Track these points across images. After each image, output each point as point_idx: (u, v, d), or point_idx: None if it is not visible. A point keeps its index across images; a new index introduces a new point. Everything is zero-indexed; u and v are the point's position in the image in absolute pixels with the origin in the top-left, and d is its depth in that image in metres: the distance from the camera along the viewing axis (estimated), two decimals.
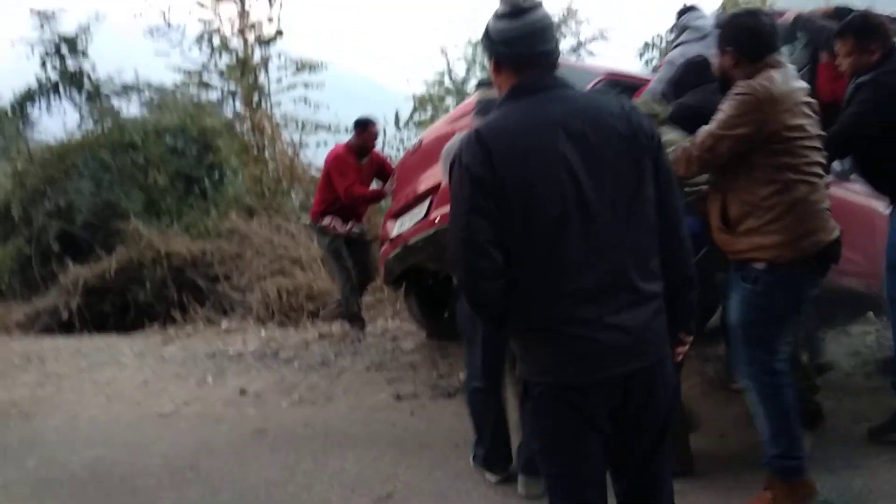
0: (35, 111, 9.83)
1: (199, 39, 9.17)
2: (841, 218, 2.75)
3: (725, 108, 2.58)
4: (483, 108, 3.36)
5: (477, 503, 3.06)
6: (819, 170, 2.61)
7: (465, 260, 1.69)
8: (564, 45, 12.62)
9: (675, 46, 4.20)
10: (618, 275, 1.68)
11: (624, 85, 4.27)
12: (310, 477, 3.35)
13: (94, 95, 9.76)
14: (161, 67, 9.74)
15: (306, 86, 9.70)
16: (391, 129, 10.42)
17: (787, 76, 2.62)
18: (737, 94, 2.58)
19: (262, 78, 9.46)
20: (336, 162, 5.51)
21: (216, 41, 9.17)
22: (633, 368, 1.70)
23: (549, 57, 1.77)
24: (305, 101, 9.67)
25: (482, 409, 3.20)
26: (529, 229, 1.67)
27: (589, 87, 4.60)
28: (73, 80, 9.63)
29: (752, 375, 2.66)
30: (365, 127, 5.62)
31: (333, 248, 5.66)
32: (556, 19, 12.18)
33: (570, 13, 12.78)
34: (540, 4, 1.76)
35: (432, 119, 11.10)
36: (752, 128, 2.51)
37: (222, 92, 9.69)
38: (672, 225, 1.78)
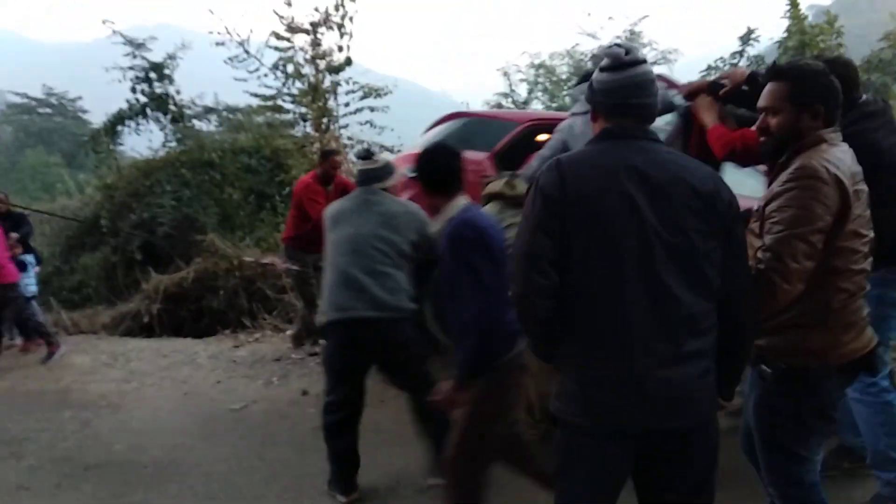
0: (125, 131, 10.65)
1: (275, 67, 9.79)
2: None
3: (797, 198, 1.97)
4: (364, 179, 3.42)
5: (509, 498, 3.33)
6: (863, 271, 2.14)
7: (524, 274, 1.72)
8: None
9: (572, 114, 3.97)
10: (669, 327, 1.67)
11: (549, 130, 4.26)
12: (361, 468, 3.72)
13: (178, 117, 10.53)
14: (239, 92, 10.42)
15: (372, 109, 10.21)
16: None
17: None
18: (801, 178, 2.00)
19: (331, 102, 10.01)
20: (305, 191, 5.79)
21: (290, 69, 9.76)
22: (672, 426, 1.70)
23: (642, 109, 1.81)
24: (370, 123, 10.18)
25: (336, 437, 3.40)
26: (587, 261, 1.69)
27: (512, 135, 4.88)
28: (160, 103, 10.42)
29: (774, 484, 2.27)
30: (327, 157, 5.96)
31: (300, 274, 5.95)
32: (618, 40, 12.32)
33: (633, 35, 12.80)
34: (643, 60, 1.83)
35: None
36: (830, 218, 1.99)
37: (294, 115, 10.28)
38: (734, 293, 1.76)
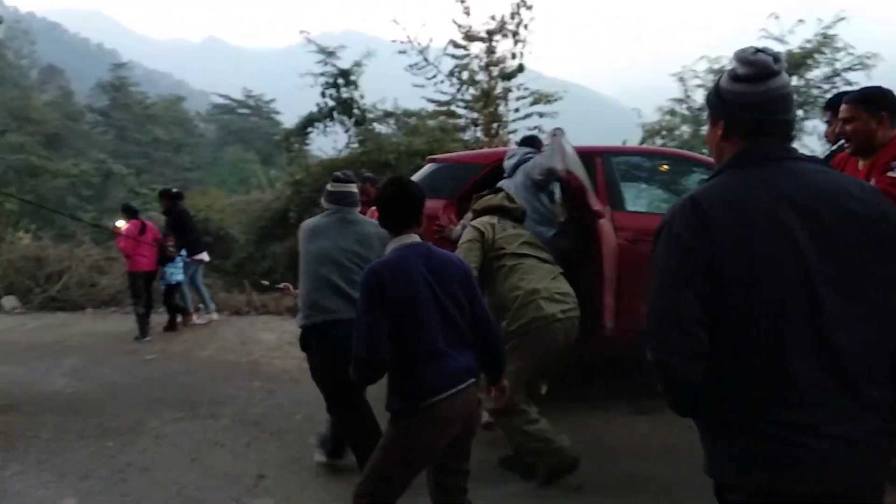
0: (313, 132, 11.62)
1: (451, 73, 10.25)
2: None
3: None
4: (339, 200, 3.73)
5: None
6: None
7: (663, 336, 1.50)
8: (817, 73, 11.84)
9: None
10: (844, 377, 1.45)
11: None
12: None
13: (361, 120, 11.32)
14: (416, 97, 11.01)
15: (541, 115, 10.38)
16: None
17: None
18: None
19: (501, 108, 10.30)
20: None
21: (465, 75, 10.18)
22: (847, 486, 1.47)
23: (786, 126, 1.59)
24: (539, 129, 10.34)
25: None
26: (744, 312, 1.45)
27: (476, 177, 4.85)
28: (345, 107, 11.26)
29: None
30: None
31: None
32: (809, 46, 11.48)
33: (826, 39, 11.90)
34: (785, 69, 1.59)
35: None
36: None
37: (466, 120, 10.69)
38: None
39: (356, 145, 11.25)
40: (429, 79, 10.28)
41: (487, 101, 10.11)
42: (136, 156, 40.53)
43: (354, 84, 11.28)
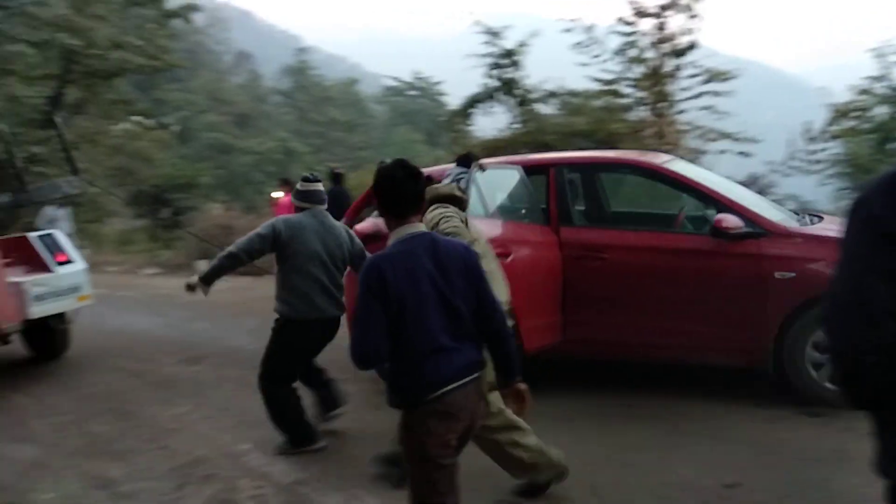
0: (476, 113, 11.81)
1: (618, 51, 9.96)
2: None
3: None
4: (305, 197, 4.18)
5: None
6: None
7: (848, 328, 1.38)
8: None
9: None
10: None
11: None
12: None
13: (524, 101, 11.32)
14: (580, 76, 10.83)
15: (715, 94, 9.82)
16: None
17: None
18: None
19: (671, 86, 9.86)
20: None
21: (633, 53, 9.85)
22: None
23: None
24: (711, 109, 9.80)
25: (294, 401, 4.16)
26: None
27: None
28: (508, 87, 11.31)
29: None
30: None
31: None
32: None
33: None
34: None
35: (854, 131, 10.20)
36: None
37: (631, 99, 10.36)
38: None
39: (518, 126, 11.28)
40: (594, 57, 10.06)
41: (656, 79, 9.72)
42: (313, 135, 43.25)
43: (518, 64, 11.28)
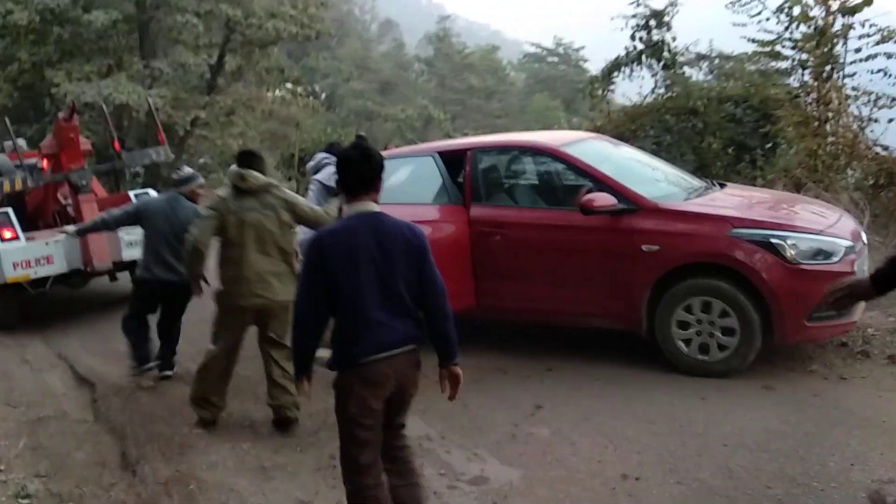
0: (619, 77, 11.35)
1: (779, 9, 9.16)
2: None
3: None
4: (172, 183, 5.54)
5: None
6: None
7: None
8: None
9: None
10: None
11: None
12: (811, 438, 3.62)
13: (670, 64, 10.75)
14: (735, 38, 10.10)
15: (889, 56, 8.81)
16: None
17: None
18: None
19: (838, 48, 8.98)
20: None
21: (797, 10, 9.03)
22: None
23: None
24: (885, 72, 8.82)
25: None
26: None
27: None
28: (654, 50, 10.77)
29: None
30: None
31: None
32: None
33: None
34: None
35: None
36: None
37: (793, 62, 9.54)
38: None
39: (662, 91, 10.73)
40: (752, 16, 9.30)
41: (822, 39, 8.84)
42: (452, 102, 43.61)
43: (668, 25, 10.68)
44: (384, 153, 5.61)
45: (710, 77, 11.16)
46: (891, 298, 5.92)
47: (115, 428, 4.58)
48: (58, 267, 6.91)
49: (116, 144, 7.77)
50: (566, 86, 40.47)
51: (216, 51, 19.20)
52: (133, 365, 5.41)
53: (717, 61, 11.07)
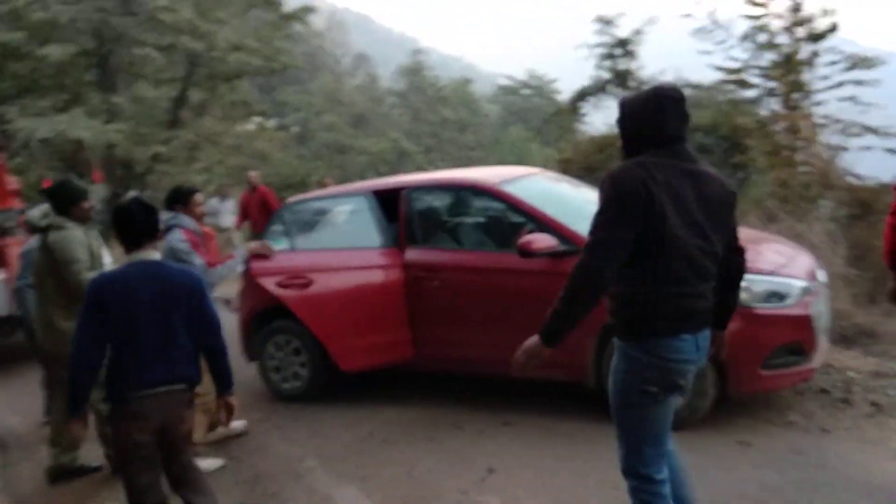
0: (585, 107, 11.13)
1: (745, 37, 9.01)
2: None
3: None
4: None
5: None
6: None
7: None
8: None
9: None
10: None
11: None
12: None
13: None
14: (702, 66, 9.94)
15: (858, 83, 8.67)
16: None
17: None
18: None
19: (806, 75, 8.81)
20: None
21: (762, 38, 8.87)
22: None
23: None
24: (853, 100, 8.65)
25: None
26: None
27: None
28: (621, 79, 10.57)
29: None
30: None
31: None
32: None
33: None
34: None
35: None
36: None
37: (761, 90, 9.36)
38: None
39: None
40: (717, 44, 9.14)
41: (789, 66, 8.69)
42: (426, 135, 43.55)
43: (633, 54, 10.51)
44: (319, 191, 5.39)
45: None
46: (871, 337, 5.67)
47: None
48: None
49: (45, 183, 7.27)
50: (539, 117, 40.63)
51: (179, 85, 18.79)
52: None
53: (685, 90, 10.87)
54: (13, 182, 7.01)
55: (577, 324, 2.35)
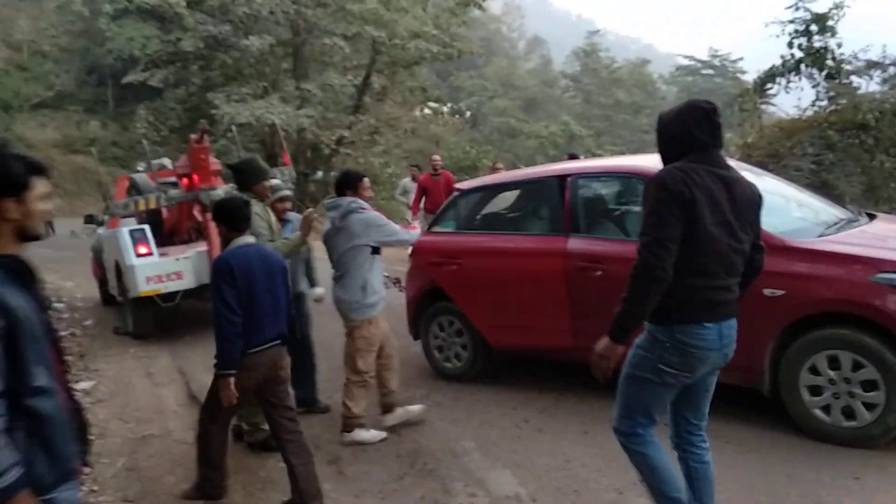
0: (774, 88, 10.27)
1: None
2: None
3: None
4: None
5: None
6: None
7: None
8: None
9: None
10: None
11: None
12: None
13: (835, 73, 9.58)
14: None
15: None
16: None
17: None
18: None
19: None
20: None
21: None
22: None
23: None
24: None
25: None
26: None
27: None
28: (816, 58, 9.65)
29: None
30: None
31: None
32: None
33: None
34: None
35: None
36: None
37: None
38: None
39: (824, 103, 9.56)
40: None
41: None
42: (598, 118, 42.56)
43: (831, 30, 9.52)
44: (486, 178, 5.41)
45: (883, 87, 9.80)
46: None
47: None
48: (186, 283, 7.22)
49: (287, 158, 8.12)
50: (721, 99, 38.16)
51: (363, 72, 19.83)
52: None
53: (892, 69, 9.71)
54: (216, 163, 7.77)
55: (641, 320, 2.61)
